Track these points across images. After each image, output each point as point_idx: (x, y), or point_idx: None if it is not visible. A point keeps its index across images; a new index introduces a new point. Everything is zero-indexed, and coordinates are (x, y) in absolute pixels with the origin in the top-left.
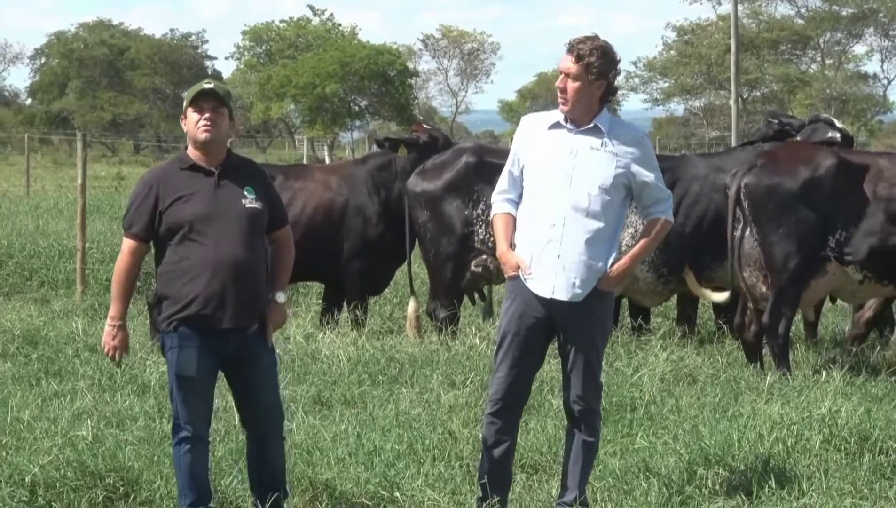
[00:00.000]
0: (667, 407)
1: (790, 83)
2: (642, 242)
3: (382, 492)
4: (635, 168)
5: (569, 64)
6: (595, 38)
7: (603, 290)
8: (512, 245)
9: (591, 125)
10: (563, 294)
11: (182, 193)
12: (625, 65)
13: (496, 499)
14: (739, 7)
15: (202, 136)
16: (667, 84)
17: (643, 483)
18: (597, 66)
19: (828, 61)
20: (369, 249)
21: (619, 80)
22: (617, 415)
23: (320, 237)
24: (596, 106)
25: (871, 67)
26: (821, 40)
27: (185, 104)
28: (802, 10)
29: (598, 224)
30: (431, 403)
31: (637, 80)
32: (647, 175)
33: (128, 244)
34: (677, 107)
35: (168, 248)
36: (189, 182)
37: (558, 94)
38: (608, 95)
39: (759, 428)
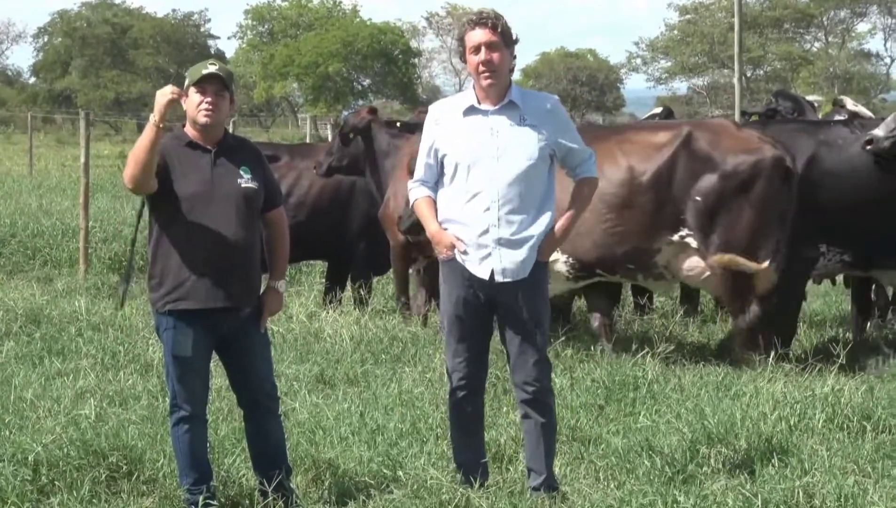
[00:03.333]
0: (669, 386)
1: (793, 61)
2: (576, 204)
3: (385, 471)
4: (557, 137)
5: (488, 36)
6: (492, 10)
7: (543, 261)
8: None
9: (506, 102)
10: (509, 275)
11: (179, 168)
12: (627, 45)
13: (479, 481)
14: None
15: (203, 119)
16: (669, 63)
17: (646, 462)
18: (508, 32)
19: (831, 39)
20: (375, 229)
21: (622, 59)
22: (620, 394)
23: (327, 217)
24: (508, 78)
25: (874, 45)
26: (824, 18)
27: (187, 83)
28: None
29: (530, 199)
30: (434, 382)
31: (639, 60)
32: (569, 141)
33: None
34: (680, 85)
35: (162, 224)
36: (187, 159)
37: (481, 68)
38: (513, 66)
39: (762, 407)
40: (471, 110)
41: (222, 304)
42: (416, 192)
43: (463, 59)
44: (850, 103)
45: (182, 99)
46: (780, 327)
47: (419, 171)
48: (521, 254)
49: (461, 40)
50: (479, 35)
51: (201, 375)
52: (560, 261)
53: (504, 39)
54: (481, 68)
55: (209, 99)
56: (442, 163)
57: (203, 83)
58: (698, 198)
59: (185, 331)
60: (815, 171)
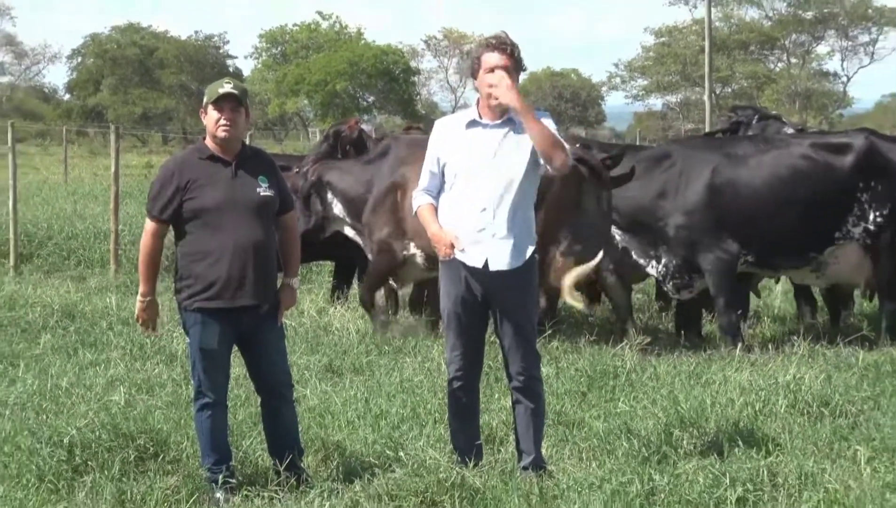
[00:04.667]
0: (646, 375)
1: (758, 80)
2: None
3: (388, 452)
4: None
5: (504, 61)
6: (507, 34)
7: (529, 265)
8: None
9: (506, 118)
10: (503, 264)
11: (202, 180)
12: (607, 66)
13: (473, 461)
14: (713, 11)
15: (221, 134)
16: (646, 82)
17: (624, 444)
18: (521, 62)
19: (793, 60)
20: None
21: (603, 78)
22: (601, 382)
23: None
24: None
25: (832, 65)
26: (786, 41)
27: (206, 101)
28: (770, 14)
29: (523, 201)
30: (433, 371)
31: (618, 79)
32: None
33: (151, 226)
34: (655, 102)
35: (189, 231)
36: (208, 171)
37: (487, 88)
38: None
39: (730, 394)
40: (472, 123)
41: (245, 302)
42: (420, 200)
43: (474, 75)
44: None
45: (202, 115)
46: (727, 316)
47: (424, 180)
48: (511, 244)
49: (478, 59)
50: (495, 58)
51: (223, 366)
52: (417, 254)
53: (515, 66)
54: (488, 88)
55: (226, 116)
56: (443, 171)
57: (220, 102)
58: None
59: (211, 327)
60: (718, 179)
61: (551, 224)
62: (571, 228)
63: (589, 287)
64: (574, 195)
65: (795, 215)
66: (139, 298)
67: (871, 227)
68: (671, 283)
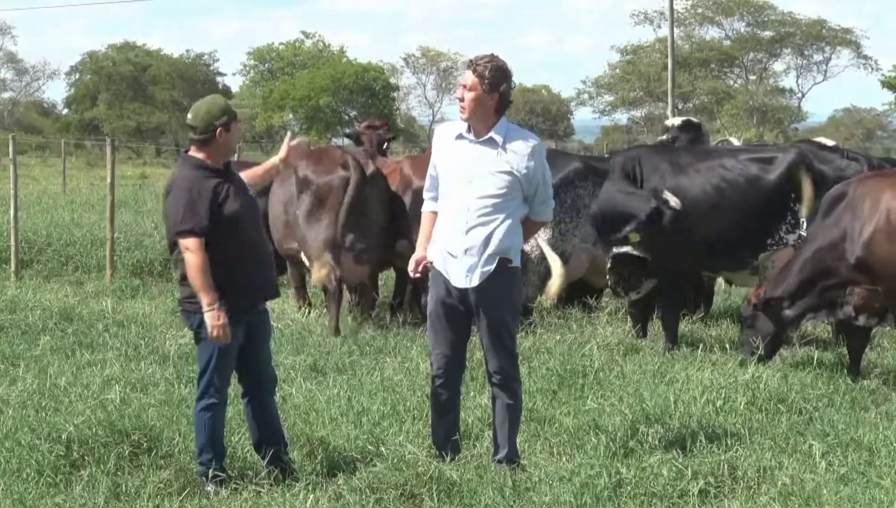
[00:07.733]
0: (613, 373)
1: (718, 96)
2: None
3: (369, 447)
4: (527, 175)
5: (467, 77)
6: (493, 57)
7: (505, 275)
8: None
9: (488, 137)
10: (473, 281)
11: (217, 194)
12: (575, 83)
13: (451, 455)
14: (675, 30)
15: (235, 151)
16: (612, 98)
17: (593, 439)
18: (489, 78)
19: (751, 77)
20: None
21: (572, 94)
22: (570, 380)
23: None
24: (492, 117)
25: (788, 81)
26: (745, 59)
27: (227, 118)
28: (729, 33)
29: (499, 222)
30: (412, 370)
31: (586, 95)
32: (537, 183)
33: (195, 243)
34: (621, 116)
35: (212, 242)
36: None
37: (459, 104)
38: (503, 106)
39: (692, 392)
40: (459, 137)
41: (260, 303)
42: (425, 205)
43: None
44: (734, 140)
45: (219, 132)
46: (669, 314)
47: (427, 182)
48: (486, 264)
49: None
50: (463, 76)
51: (233, 364)
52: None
53: (480, 81)
54: (459, 104)
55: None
56: (438, 176)
57: (237, 121)
58: (298, 212)
59: (233, 328)
60: (664, 185)
61: (335, 225)
62: (355, 228)
63: (568, 288)
64: (359, 198)
65: (727, 222)
66: (207, 308)
67: (805, 235)
68: (620, 286)
